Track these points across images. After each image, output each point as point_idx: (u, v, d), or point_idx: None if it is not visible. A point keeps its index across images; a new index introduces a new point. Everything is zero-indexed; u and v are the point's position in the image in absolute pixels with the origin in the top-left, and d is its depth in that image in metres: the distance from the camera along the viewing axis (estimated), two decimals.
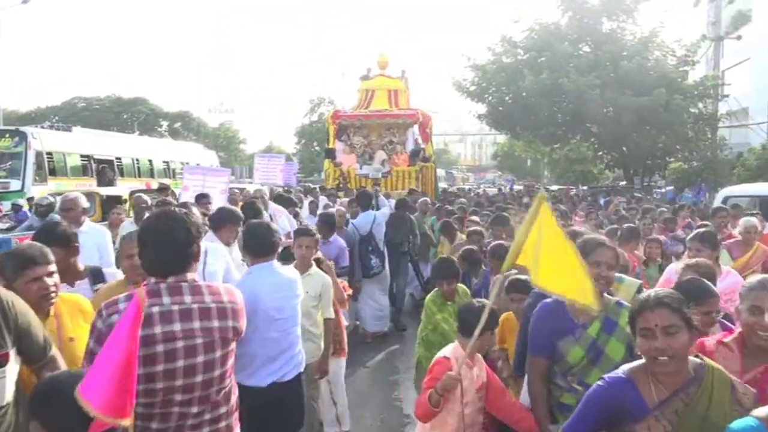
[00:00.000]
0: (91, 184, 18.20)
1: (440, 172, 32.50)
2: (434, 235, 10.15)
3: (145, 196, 8.20)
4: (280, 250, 4.98)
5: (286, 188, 14.22)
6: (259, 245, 3.71)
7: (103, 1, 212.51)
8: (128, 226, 7.02)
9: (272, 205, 8.05)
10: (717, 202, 12.36)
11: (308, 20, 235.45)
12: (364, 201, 8.63)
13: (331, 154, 17.59)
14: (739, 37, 24.90)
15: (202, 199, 7.52)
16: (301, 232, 4.87)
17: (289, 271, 3.84)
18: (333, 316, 4.68)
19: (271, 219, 7.31)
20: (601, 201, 16.71)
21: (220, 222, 5.07)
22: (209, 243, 4.49)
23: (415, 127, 17.87)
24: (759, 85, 28.77)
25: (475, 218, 9.17)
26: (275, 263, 3.72)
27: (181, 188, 10.36)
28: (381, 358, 7.46)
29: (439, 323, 4.50)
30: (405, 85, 18.97)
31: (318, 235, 4.96)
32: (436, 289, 4.66)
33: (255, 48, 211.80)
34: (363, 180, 16.22)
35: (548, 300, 3.05)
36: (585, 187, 26.77)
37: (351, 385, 6.51)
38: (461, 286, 4.83)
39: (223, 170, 10.91)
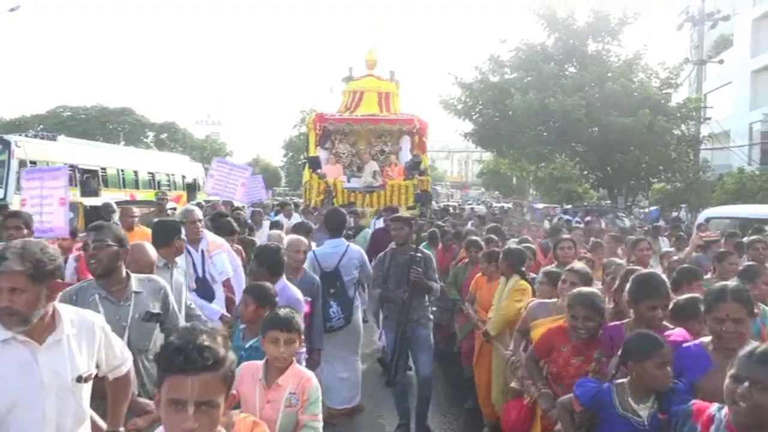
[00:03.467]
0: (74, 194, 18.04)
1: None
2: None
3: None
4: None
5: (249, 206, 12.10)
6: None
7: (91, 10, 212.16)
8: None
9: (208, 236, 5.33)
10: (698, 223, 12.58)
11: (296, 33, 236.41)
12: (334, 223, 5.97)
13: (315, 163, 15.14)
14: (721, 62, 25.41)
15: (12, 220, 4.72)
16: None
17: None
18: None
19: (202, 257, 5.16)
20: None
21: None
22: None
23: (406, 137, 16.09)
24: (740, 108, 29.35)
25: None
26: None
27: (21, 202, 7.26)
28: (365, 371, 7.26)
29: None
30: (396, 87, 16.84)
31: None
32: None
33: (243, 60, 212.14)
34: (352, 195, 14.39)
35: None
36: (569, 206, 26.94)
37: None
38: None
39: (57, 170, 7.46)
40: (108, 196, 17.98)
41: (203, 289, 5.04)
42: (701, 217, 12.96)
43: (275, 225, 9.07)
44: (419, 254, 5.39)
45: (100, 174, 20.33)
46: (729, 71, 29.38)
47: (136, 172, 22.77)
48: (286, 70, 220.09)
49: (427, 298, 5.61)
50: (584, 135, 21.87)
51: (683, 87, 24.96)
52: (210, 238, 5.35)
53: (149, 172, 23.76)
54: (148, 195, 18.74)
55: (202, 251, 5.18)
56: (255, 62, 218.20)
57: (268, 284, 3.89)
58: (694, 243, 7.87)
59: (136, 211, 7.73)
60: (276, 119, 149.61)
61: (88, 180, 19.60)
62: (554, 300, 4.28)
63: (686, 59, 24.64)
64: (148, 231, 5.48)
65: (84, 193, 18.26)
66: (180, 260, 4.68)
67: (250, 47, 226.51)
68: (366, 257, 6.12)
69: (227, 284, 5.29)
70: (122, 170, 21.93)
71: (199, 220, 5.23)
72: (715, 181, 22.25)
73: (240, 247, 6.41)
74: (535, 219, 16.51)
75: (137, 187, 21.91)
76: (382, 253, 5.76)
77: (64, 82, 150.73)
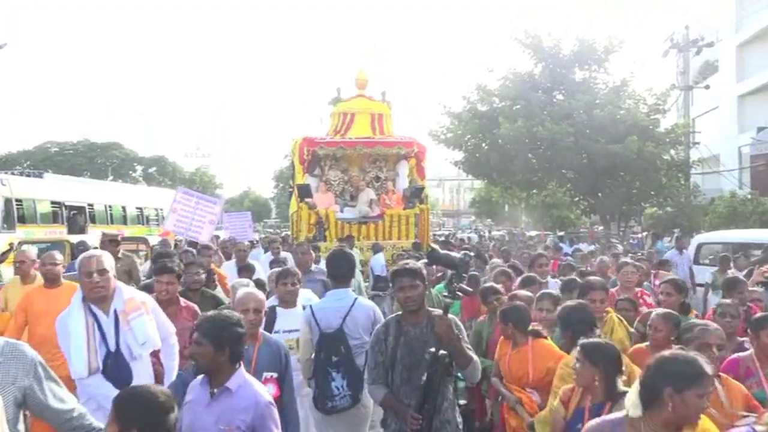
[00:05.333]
0: (61, 231, 17.80)
1: None
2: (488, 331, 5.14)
3: None
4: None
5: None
6: None
7: (78, 46, 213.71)
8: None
9: (124, 292, 3.91)
10: (691, 249, 12.44)
11: (284, 63, 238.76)
12: (339, 269, 4.44)
13: (305, 191, 13.58)
14: (707, 87, 25.64)
15: None
16: None
17: None
18: None
19: (116, 323, 3.80)
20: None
21: None
22: None
23: (404, 162, 14.86)
24: (728, 132, 29.58)
25: None
26: None
27: None
28: None
29: None
30: (389, 109, 15.56)
31: None
32: None
33: (231, 91, 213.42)
34: (346, 226, 12.95)
35: None
36: (562, 233, 26.87)
37: None
38: None
39: None
40: (96, 233, 17.76)
41: (115, 368, 3.67)
42: (693, 244, 12.85)
43: (245, 270, 7.04)
44: (445, 320, 3.29)
45: (87, 210, 20.09)
46: (715, 96, 29.68)
47: (124, 208, 22.54)
48: (276, 100, 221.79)
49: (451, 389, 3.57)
50: (573, 162, 21.92)
51: (671, 112, 25.15)
52: (128, 294, 3.91)
53: (137, 208, 23.53)
54: (137, 231, 18.51)
55: (116, 313, 3.76)
56: (244, 92, 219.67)
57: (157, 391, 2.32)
58: (754, 279, 7.08)
59: (59, 258, 5.49)
60: (267, 150, 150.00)
61: (74, 217, 19.37)
62: (623, 413, 2.54)
63: (673, 85, 24.87)
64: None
65: (71, 231, 18.01)
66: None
67: (239, 77, 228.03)
68: (381, 316, 4.38)
69: (156, 354, 3.99)
70: (110, 206, 21.69)
71: (100, 271, 3.72)
72: (706, 205, 22.27)
73: (190, 304, 4.84)
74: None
75: (125, 223, 21.66)
76: (381, 324, 3.73)
77: (51, 117, 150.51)
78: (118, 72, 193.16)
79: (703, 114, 32.16)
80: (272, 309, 4.59)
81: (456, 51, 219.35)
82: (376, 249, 11.61)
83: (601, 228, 26.11)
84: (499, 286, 5.49)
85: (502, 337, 4.50)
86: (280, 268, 5.15)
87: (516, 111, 22.20)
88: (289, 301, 4.74)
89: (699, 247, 12.50)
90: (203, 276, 5.64)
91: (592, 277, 5.20)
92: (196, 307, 4.84)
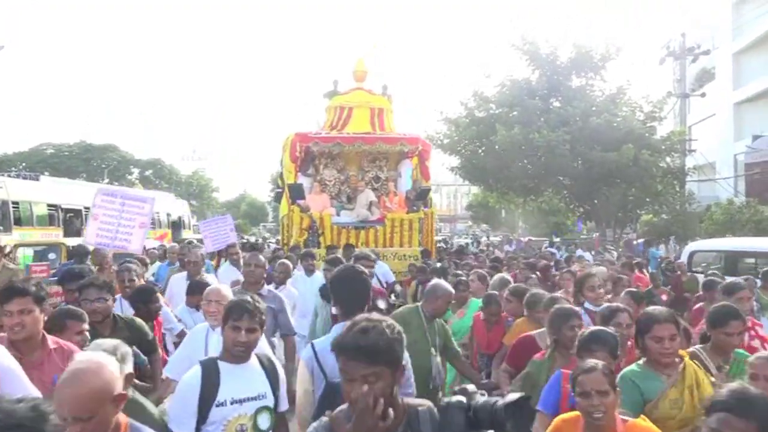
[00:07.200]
0: (57, 234, 17.78)
1: None
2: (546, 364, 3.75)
3: None
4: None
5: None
6: None
7: (74, 48, 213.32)
8: None
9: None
10: (684, 257, 12.40)
11: (281, 66, 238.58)
12: (349, 294, 3.25)
13: (297, 191, 12.16)
14: (703, 95, 25.74)
15: None
16: None
17: None
18: None
19: None
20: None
21: None
22: None
23: (406, 161, 13.51)
24: (724, 140, 29.67)
25: None
26: None
27: None
28: None
29: None
30: (390, 103, 14.16)
31: None
32: None
33: (227, 93, 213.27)
34: (343, 231, 11.75)
35: None
36: (558, 239, 26.94)
37: None
38: None
39: None
40: None
41: None
42: (686, 252, 12.82)
43: (195, 289, 5.25)
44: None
45: (83, 213, 20.06)
46: (712, 104, 29.77)
47: None
48: (274, 102, 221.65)
49: None
50: (569, 169, 21.95)
51: (668, 120, 25.19)
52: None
53: None
54: None
55: None
56: (242, 95, 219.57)
57: None
58: None
59: None
60: (264, 153, 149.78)
61: (71, 219, 19.35)
62: None
63: (669, 93, 24.94)
64: None
65: (67, 234, 17.99)
66: None
67: (237, 80, 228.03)
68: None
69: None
70: None
71: None
72: (702, 213, 22.31)
73: (65, 345, 3.23)
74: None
75: None
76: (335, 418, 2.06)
77: (51, 118, 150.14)
78: (117, 73, 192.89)
79: (700, 122, 32.25)
80: (213, 364, 2.93)
81: (456, 51, 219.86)
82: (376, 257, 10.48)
83: (596, 234, 26.17)
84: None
85: (562, 419, 2.87)
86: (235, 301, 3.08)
87: (513, 117, 22.23)
88: (238, 356, 2.95)
89: (692, 254, 12.46)
90: (109, 302, 4.05)
91: (655, 308, 3.39)
92: (74, 347, 3.16)
